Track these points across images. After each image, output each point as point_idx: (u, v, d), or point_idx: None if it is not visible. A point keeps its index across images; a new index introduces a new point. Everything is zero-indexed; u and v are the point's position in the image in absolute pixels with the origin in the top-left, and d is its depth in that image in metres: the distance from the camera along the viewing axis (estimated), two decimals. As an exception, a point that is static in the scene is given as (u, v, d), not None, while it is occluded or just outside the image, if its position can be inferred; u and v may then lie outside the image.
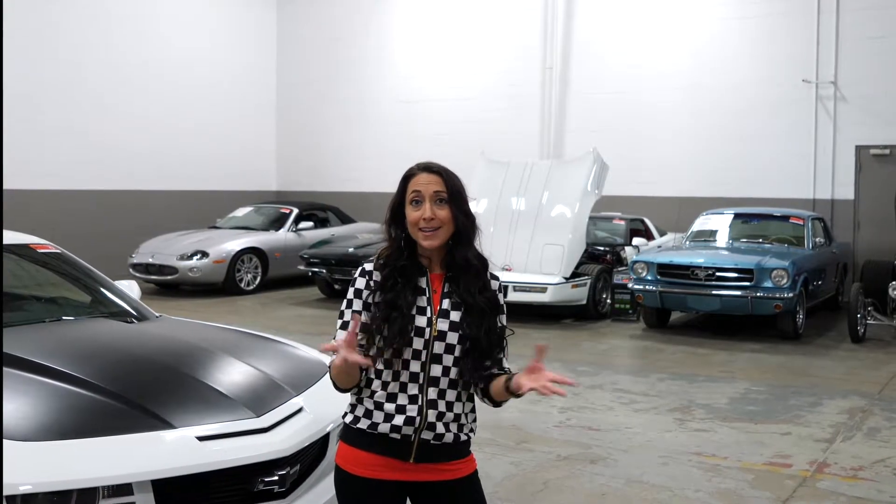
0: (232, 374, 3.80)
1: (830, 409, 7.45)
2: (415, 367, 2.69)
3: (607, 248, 12.98)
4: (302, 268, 13.97)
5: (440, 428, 2.70)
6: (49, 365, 3.60)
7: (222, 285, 14.24)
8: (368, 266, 2.80)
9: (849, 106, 14.08)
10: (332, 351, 2.55)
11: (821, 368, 9.24)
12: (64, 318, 4.67)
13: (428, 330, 2.69)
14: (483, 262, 2.80)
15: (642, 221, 14.08)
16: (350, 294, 2.78)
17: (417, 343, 2.68)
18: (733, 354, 9.88)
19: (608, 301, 12.31)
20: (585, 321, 11.98)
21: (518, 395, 2.68)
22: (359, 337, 2.66)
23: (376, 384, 2.72)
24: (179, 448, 3.14)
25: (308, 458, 3.51)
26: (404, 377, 2.70)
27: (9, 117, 14.42)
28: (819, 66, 14.20)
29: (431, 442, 2.70)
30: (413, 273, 2.75)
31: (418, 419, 2.68)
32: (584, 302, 11.95)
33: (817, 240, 11.92)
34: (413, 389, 2.69)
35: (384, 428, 2.69)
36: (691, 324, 11.98)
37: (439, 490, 2.77)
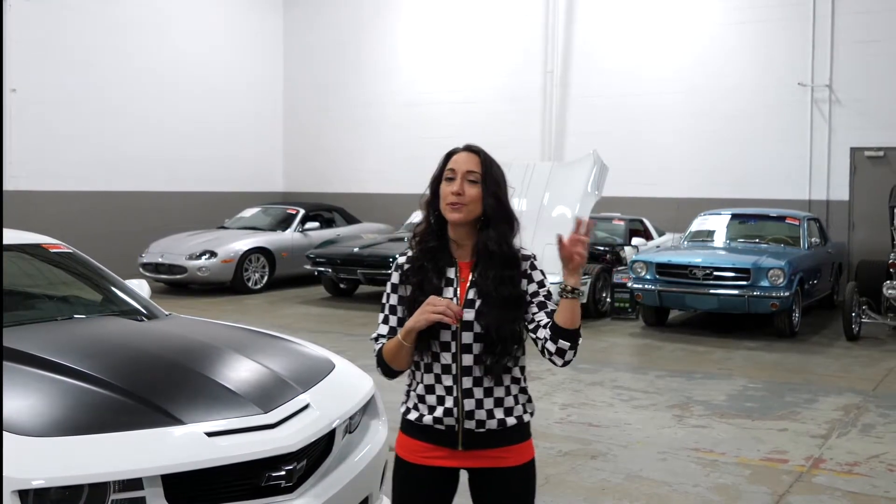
0: (240, 371, 3.79)
1: (826, 406, 7.44)
2: (446, 358, 2.70)
3: (607, 248, 12.95)
4: (308, 267, 13.95)
5: (480, 415, 2.70)
6: (61, 362, 3.59)
7: (230, 284, 14.23)
8: (401, 259, 2.84)
9: (843, 109, 14.06)
10: (433, 310, 2.58)
11: (816, 366, 9.22)
12: (75, 316, 4.67)
13: (455, 300, 2.69)
14: (511, 252, 2.74)
15: (641, 222, 14.07)
16: (388, 289, 2.84)
17: (445, 335, 2.69)
18: (731, 352, 9.87)
19: (608, 300, 12.30)
20: (586, 319, 11.87)
21: (569, 290, 2.60)
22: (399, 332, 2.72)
23: (417, 376, 2.76)
24: (188, 443, 3.14)
25: (314, 453, 3.50)
26: (437, 369, 2.71)
27: (23, 121, 14.53)
28: (814, 70, 14.19)
29: (476, 431, 2.71)
30: (441, 257, 2.76)
31: (456, 409, 2.69)
32: (585, 301, 11.94)
33: (813, 240, 11.91)
34: (447, 380, 2.71)
35: (428, 420, 2.73)
36: (689, 322, 11.96)
37: (491, 476, 2.76)
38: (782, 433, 6.60)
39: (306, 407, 3.57)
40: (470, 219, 2.73)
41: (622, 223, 13.74)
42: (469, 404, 2.70)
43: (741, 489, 5.35)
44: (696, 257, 10.93)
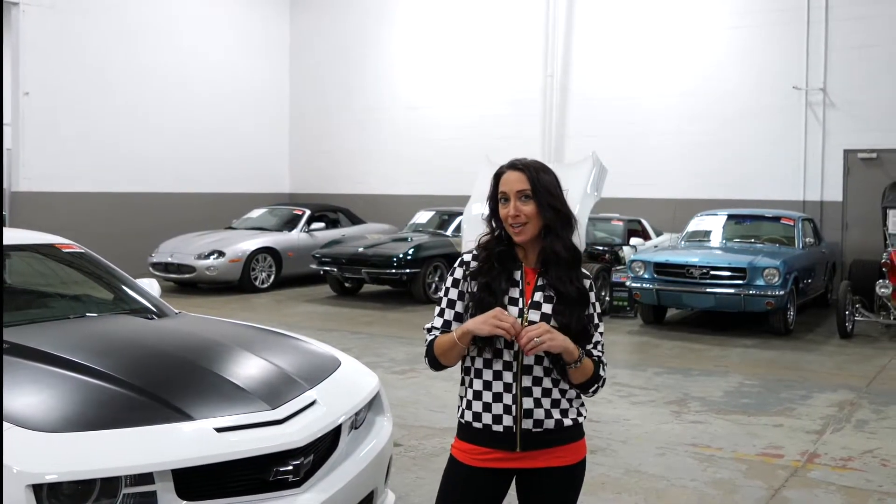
0: (248, 369, 3.78)
1: (820, 402, 7.43)
2: (507, 356, 2.69)
3: (606, 248, 12.95)
4: (314, 266, 13.95)
5: (538, 414, 2.69)
6: (73, 359, 3.59)
7: (238, 283, 14.23)
8: (467, 257, 2.83)
9: (837, 112, 14.04)
10: (499, 324, 2.58)
11: (811, 363, 9.21)
12: (87, 314, 4.68)
13: (519, 320, 2.67)
14: (575, 255, 2.77)
15: (639, 222, 14.06)
16: (448, 283, 2.82)
17: None
18: (727, 349, 9.86)
19: (607, 298, 12.28)
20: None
21: (569, 363, 2.71)
22: (453, 327, 2.73)
23: (473, 372, 2.74)
24: (198, 439, 3.13)
25: (321, 448, 3.50)
26: (497, 365, 2.70)
27: (36, 124, 14.56)
28: (808, 74, 14.17)
29: (533, 430, 2.70)
30: (509, 261, 2.75)
31: (514, 407, 2.68)
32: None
33: (807, 240, 11.90)
34: (508, 378, 2.70)
35: (487, 419, 2.71)
36: (687, 320, 11.95)
37: (542, 475, 2.75)
38: (778, 429, 6.59)
39: (313, 403, 3.56)
40: (534, 235, 2.73)
41: (621, 223, 13.74)
42: (528, 402, 2.69)
43: (738, 484, 5.34)
44: (693, 257, 10.92)
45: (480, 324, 2.61)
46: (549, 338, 2.59)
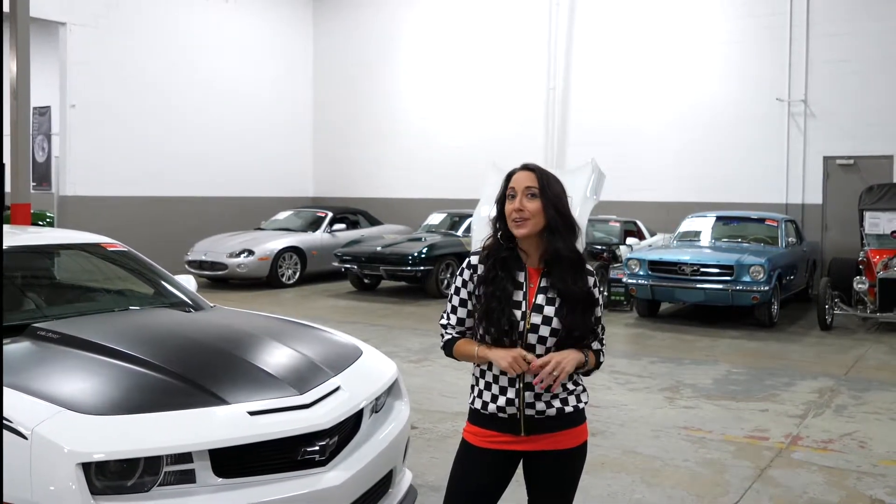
0: (277, 357, 3.78)
1: (802, 389, 7.39)
2: None
3: (604, 247, 12.91)
4: (336, 264, 13.96)
5: (540, 406, 2.69)
6: (118, 348, 3.60)
7: (266, 280, 14.26)
8: (474, 260, 2.79)
9: (817, 121, 13.97)
10: (520, 358, 2.61)
11: (793, 353, 9.17)
12: (130, 307, 4.68)
13: (522, 323, 2.66)
14: (578, 258, 2.73)
15: (635, 223, 14.02)
16: (457, 283, 2.80)
17: (513, 333, 2.66)
18: (716, 340, 9.82)
19: (605, 294, 12.26)
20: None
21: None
22: (467, 324, 2.75)
23: (484, 365, 2.74)
24: (233, 421, 3.14)
25: (345, 431, 3.50)
26: None
27: (80, 134, 14.62)
28: (791, 86, 14.10)
29: (536, 417, 2.69)
30: (513, 265, 2.71)
31: (517, 400, 2.68)
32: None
33: (790, 239, 11.85)
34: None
35: (492, 408, 2.71)
36: (679, 313, 11.91)
37: (547, 457, 2.74)
38: (763, 413, 6.57)
39: (337, 389, 3.56)
40: (535, 231, 2.69)
41: (618, 224, 13.70)
42: (529, 396, 2.68)
43: (727, 463, 5.32)
44: (684, 255, 10.89)
45: (500, 359, 2.62)
46: (560, 371, 2.61)
